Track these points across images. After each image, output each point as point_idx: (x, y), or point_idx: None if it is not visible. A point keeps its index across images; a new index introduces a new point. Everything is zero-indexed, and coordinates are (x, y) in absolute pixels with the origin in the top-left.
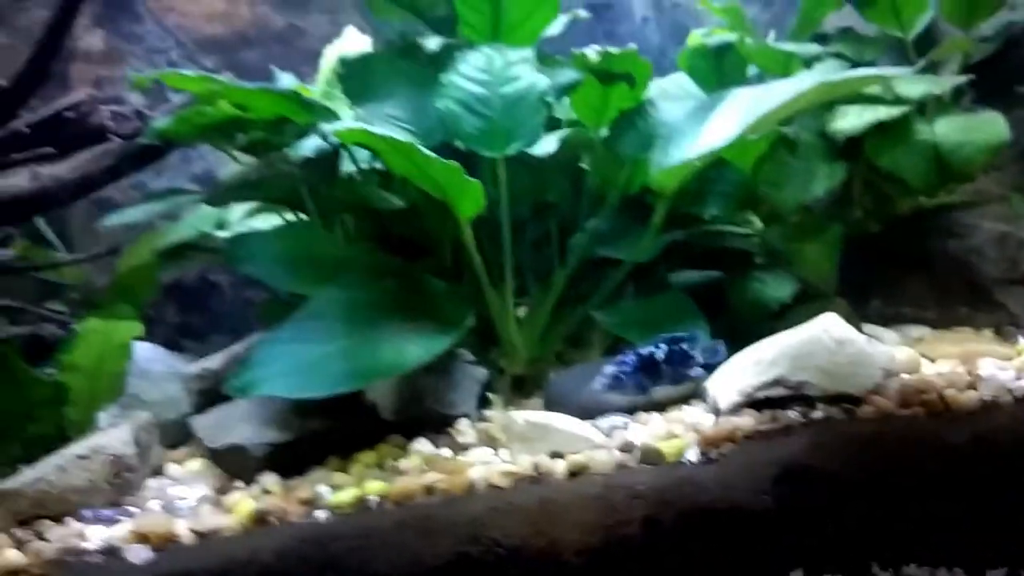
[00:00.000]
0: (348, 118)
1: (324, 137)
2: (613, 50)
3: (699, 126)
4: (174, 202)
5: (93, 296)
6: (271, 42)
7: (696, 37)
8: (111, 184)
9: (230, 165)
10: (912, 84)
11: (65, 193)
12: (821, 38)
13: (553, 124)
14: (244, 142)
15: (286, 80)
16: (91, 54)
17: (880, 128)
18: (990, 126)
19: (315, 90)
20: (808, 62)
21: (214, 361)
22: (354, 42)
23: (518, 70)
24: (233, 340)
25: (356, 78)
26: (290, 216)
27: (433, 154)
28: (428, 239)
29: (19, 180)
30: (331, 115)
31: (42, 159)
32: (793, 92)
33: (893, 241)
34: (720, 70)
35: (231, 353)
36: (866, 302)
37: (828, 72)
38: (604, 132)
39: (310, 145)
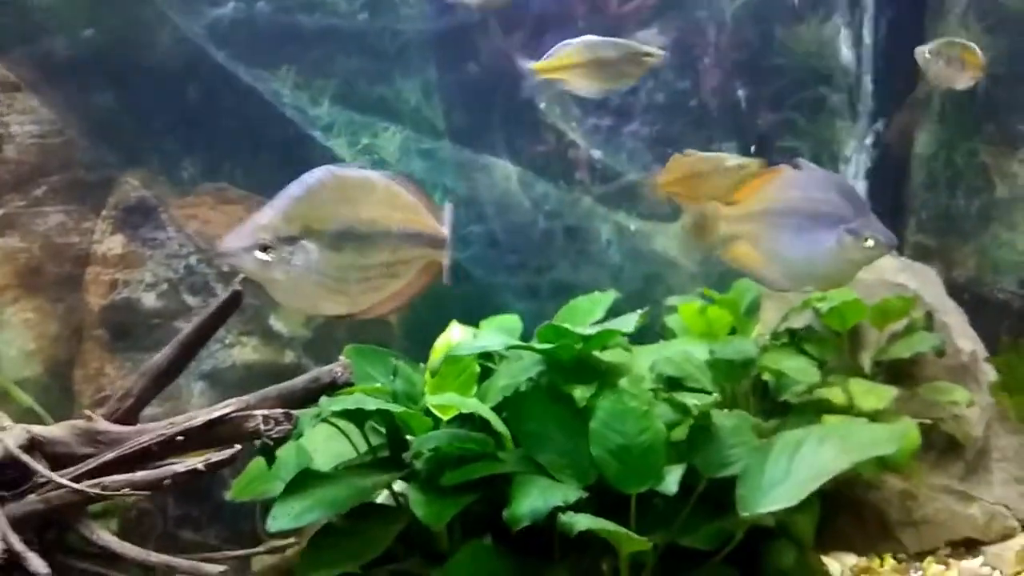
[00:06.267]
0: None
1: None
2: None
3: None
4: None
5: None
6: None
7: None
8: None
9: None
10: None
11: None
12: None
13: None
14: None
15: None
16: (108, 258)
17: None
18: None
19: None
20: None
21: None
22: (459, 335)
23: (643, 422)
24: None
25: (515, 415)
26: None
27: (631, 533)
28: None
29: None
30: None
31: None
32: None
33: None
34: None
35: None
36: None
37: None
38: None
39: (527, 513)
